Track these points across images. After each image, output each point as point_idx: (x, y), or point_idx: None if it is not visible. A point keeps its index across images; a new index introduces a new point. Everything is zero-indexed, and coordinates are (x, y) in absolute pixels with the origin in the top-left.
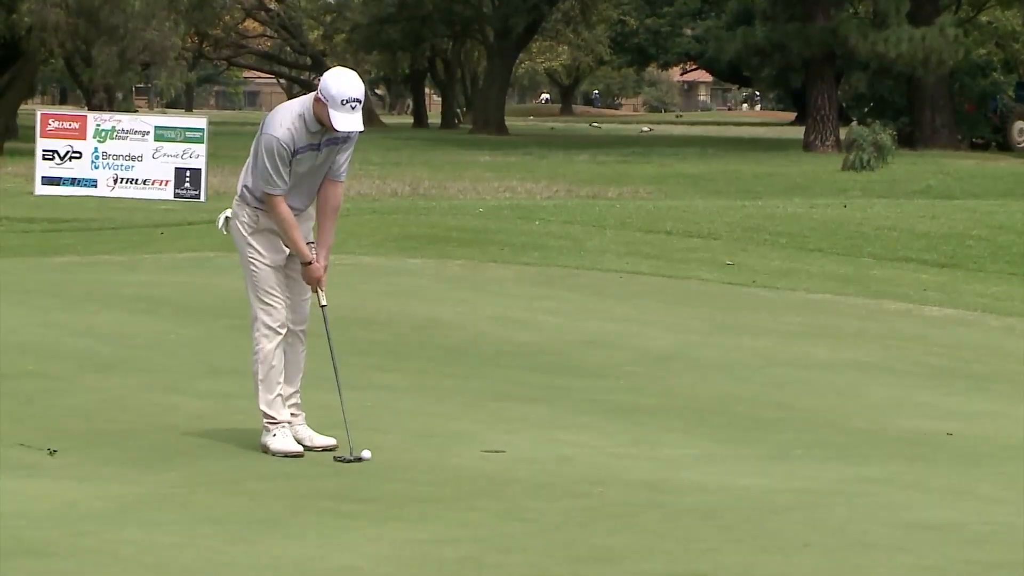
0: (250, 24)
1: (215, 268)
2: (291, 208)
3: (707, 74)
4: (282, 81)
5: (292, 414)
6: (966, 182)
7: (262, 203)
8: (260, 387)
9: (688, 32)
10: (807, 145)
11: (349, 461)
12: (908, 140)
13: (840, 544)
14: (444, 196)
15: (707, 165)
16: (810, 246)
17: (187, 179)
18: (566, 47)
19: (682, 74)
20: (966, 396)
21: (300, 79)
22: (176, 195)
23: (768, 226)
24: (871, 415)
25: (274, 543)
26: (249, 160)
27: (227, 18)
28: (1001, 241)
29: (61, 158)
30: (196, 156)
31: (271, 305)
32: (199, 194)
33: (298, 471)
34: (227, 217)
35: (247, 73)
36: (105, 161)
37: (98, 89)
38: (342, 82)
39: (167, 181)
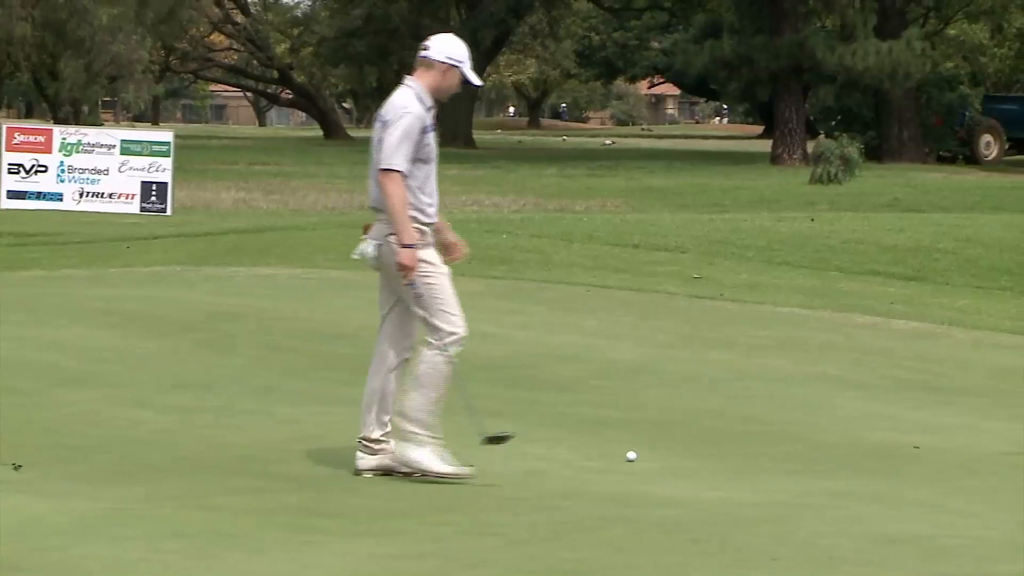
0: (217, 38)
1: (182, 282)
2: (428, 205)
3: (675, 87)
4: (249, 94)
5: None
6: (933, 195)
7: (421, 212)
8: (421, 399)
9: (655, 45)
10: (775, 158)
11: (495, 439)
12: (875, 153)
13: (808, 558)
14: None
15: (675, 178)
16: (777, 259)
17: (153, 193)
18: (533, 60)
19: (649, 87)
20: (933, 409)
21: (267, 92)
22: (142, 209)
23: (735, 239)
24: (839, 428)
25: (240, 559)
26: (371, 169)
27: (193, 31)
28: (968, 254)
29: (27, 172)
30: (162, 170)
31: (454, 314)
32: (165, 208)
33: (264, 486)
34: (378, 244)
35: (214, 87)
36: (71, 175)
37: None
38: (458, 42)
39: (133, 195)
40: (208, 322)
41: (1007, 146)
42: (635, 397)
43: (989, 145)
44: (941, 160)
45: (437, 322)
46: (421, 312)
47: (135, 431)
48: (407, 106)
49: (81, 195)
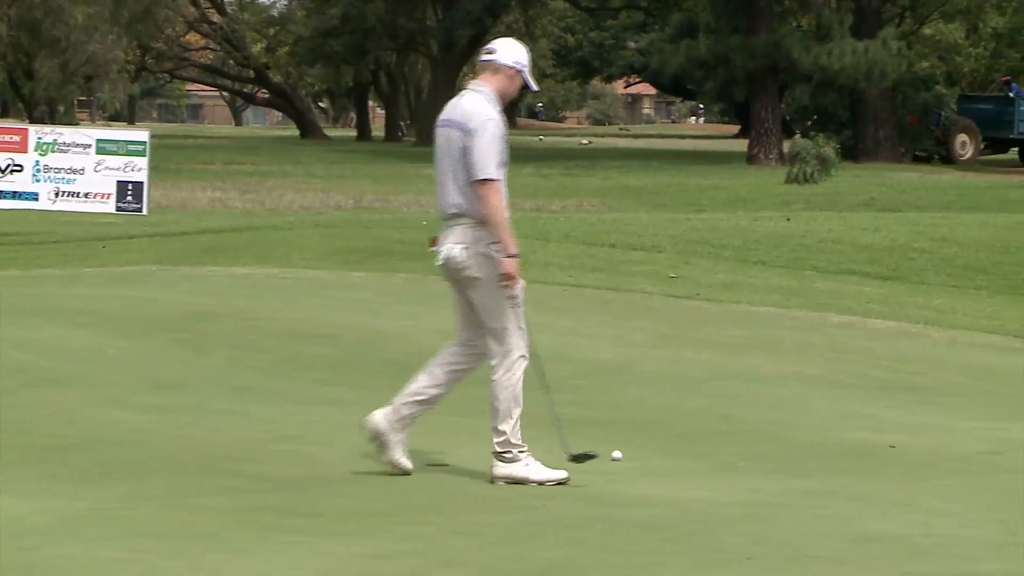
0: (192, 37)
1: (157, 282)
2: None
3: (651, 87)
4: (225, 94)
5: (402, 426)
6: (909, 195)
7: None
8: (503, 416)
9: (632, 45)
10: (751, 158)
11: (580, 458)
12: (851, 153)
13: (784, 557)
14: (388, 209)
15: (651, 178)
16: (754, 259)
17: (129, 192)
18: None
19: (626, 87)
20: (909, 409)
21: (243, 92)
22: (118, 208)
23: (712, 239)
24: (815, 428)
25: (217, 558)
26: (450, 175)
27: (169, 31)
28: (943, 253)
29: (2, 171)
30: (138, 169)
31: (524, 330)
32: (141, 207)
33: (241, 485)
34: (464, 247)
35: (190, 86)
36: (46, 174)
37: (40, 102)
38: (522, 46)
39: (109, 194)
40: (184, 322)
41: (982, 146)
42: (612, 397)
43: (964, 145)
44: (917, 160)
45: (510, 339)
46: (496, 325)
47: (111, 431)
48: (489, 113)
49: (57, 195)
